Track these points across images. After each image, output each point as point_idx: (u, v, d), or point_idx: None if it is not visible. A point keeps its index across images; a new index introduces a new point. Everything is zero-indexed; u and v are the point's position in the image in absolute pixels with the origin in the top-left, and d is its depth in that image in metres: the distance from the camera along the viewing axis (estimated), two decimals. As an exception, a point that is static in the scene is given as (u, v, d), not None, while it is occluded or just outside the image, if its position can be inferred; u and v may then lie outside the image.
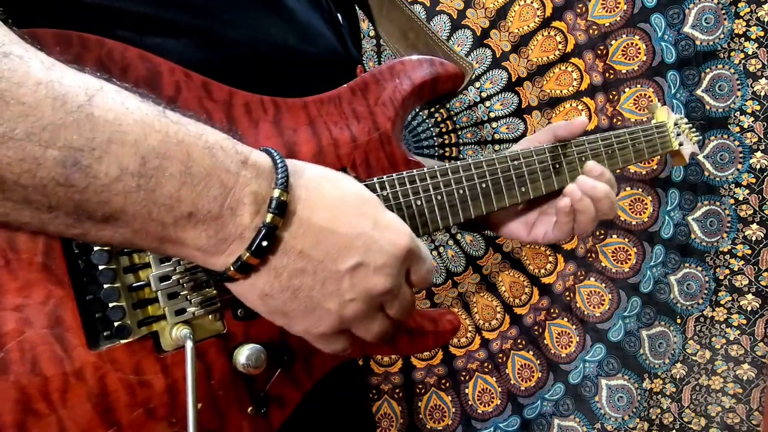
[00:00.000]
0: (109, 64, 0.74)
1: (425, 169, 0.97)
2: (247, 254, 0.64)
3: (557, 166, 1.14)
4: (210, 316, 0.79)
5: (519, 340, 2.49)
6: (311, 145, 0.88)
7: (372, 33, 2.33)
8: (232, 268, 0.65)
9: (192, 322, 0.77)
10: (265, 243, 0.64)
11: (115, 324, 0.72)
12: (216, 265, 0.66)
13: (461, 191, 1.01)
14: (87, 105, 0.58)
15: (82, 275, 0.71)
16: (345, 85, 0.95)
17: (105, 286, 0.71)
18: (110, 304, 0.72)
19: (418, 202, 0.95)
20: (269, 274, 0.66)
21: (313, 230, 0.67)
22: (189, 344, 0.73)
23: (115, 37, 0.77)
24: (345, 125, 0.92)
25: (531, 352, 2.49)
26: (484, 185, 1.03)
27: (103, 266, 0.71)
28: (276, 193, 0.65)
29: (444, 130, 2.39)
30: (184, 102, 0.79)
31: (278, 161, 0.68)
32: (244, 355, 0.78)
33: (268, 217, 0.64)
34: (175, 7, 0.84)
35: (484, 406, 2.50)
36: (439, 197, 0.98)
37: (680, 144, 1.50)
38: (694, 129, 1.58)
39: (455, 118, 2.40)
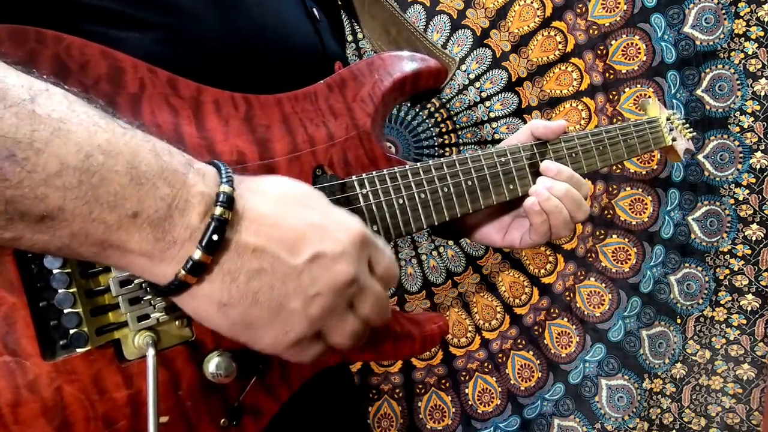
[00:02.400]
0: (67, 60, 0.68)
1: (407, 166, 0.90)
2: (199, 252, 0.58)
3: None
4: (177, 322, 0.72)
5: (519, 340, 2.44)
6: (285, 142, 0.82)
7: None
8: (182, 271, 0.58)
9: (157, 328, 0.71)
10: (215, 237, 0.58)
11: (71, 332, 0.65)
12: (164, 274, 0.60)
13: (446, 189, 0.94)
14: (29, 102, 0.53)
15: (35, 280, 0.65)
16: (321, 81, 0.90)
17: (60, 291, 0.65)
18: (65, 311, 0.65)
19: (401, 201, 0.89)
20: (225, 278, 0.60)
21: (264, 227, 0.62)
22: (150, 353, 0.67)
23: (80, 31, 0.72)
24: (321, 122, 0.86)
25: (531, 352, 2.44)
26: (469, 182, 0.97)
27: (58, 270, 0.65)
28: (223, 188, 0.61)
29: (444, 130, 2.35)
30: (149, 99, 0.73)
31: (221, 165, 0.64)
32: (213, 362, 0.72)
33: (218, 210, 0.59)
34: (140, 1, 0.78)
35: (484, 406, 2.46)
36: (423, 195, 0.92)
37: (673, 139, 1.45)
38: (687, 125, 1.53)
39: (455, 118, 2.35)
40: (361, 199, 0.86)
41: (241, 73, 0.85)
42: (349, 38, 2.23)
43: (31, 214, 0.53)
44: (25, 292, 0.63)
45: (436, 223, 0.93)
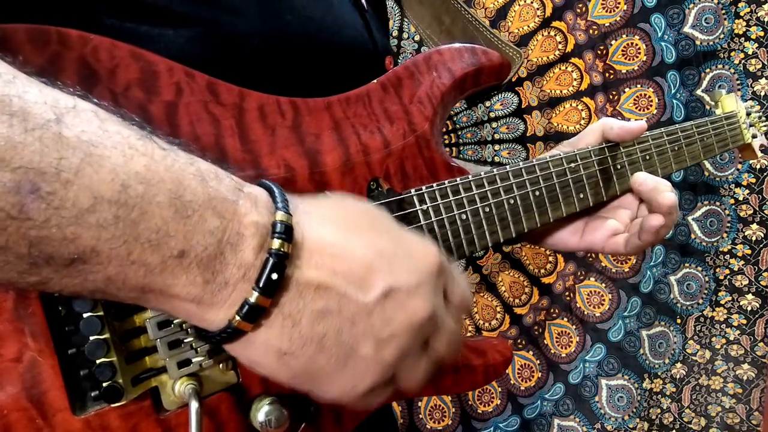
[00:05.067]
0: (95, 64, 0.55)
1: (470, 176, 0.79)
2: (255, 294, 0.46)
3: (618, 167, 0.94)
4: (220, 365, 0.60)
5: (519, 340, 2.37)
6: (337, 153, 0.70)
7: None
8: (237, 317, 0.47)
9: (199, 374, 0.59)
10: (275, 276, 0.47)
11: (104, 385, 0.53)
12: (214, 320, 0.48)
13: (512, 201, 0.82)
14: (54, 124, 0.41)
15: (63, 324, 0.53)
16: (375, 81, 0.77)
17: (91, 338, 0.53)
18: (98, 361, 0.53)
19: (464, 216, 0.77)
20: (285, 323, 0.49)
21: (326, 258, 0.50)
22: (194, 405, 0.55)
23: (103, 26, 0.60)
24: (376, 128, 0.74)
25: (531, 352, 2.37)
26: (537, 193, 0.85)
27: (88, 314, 0.52)
28: (279, 215, 0.49)
29: (444, 130, 2.23)
30: (187, 107, 0.60)
31: (274, 187, 0.53)
32: (262, 411, 0.60)
33: (275, 243, 0.47)
34: None
35: (484, 406, 2.39)
36: (487, 209, 0.79)
37: (753, 136, 1.28)
38: (763, 117, 1.37)
39: (455, 118, 2.28)
40: (421, 217, 0.74)
41: (286, 72, 0.72)
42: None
43: (59, 257, 0.41)
44: (52, 337, 0.51)
45: (501, 240, 0.81)
